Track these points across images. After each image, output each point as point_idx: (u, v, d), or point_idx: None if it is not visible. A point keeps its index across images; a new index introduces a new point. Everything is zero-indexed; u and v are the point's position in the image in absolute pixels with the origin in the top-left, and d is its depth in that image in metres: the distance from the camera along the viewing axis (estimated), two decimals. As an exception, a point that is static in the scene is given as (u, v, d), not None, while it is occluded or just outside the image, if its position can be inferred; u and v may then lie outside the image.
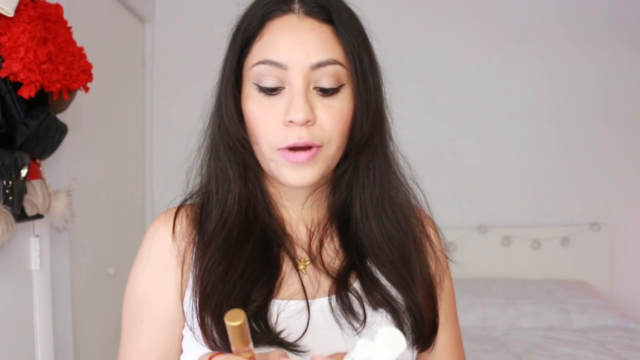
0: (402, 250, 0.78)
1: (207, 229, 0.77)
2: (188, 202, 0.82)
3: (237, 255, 0.74)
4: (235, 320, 0.54)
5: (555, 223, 2.97)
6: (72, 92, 1.52)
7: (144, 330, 0.76)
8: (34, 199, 1.44)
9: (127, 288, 0.79)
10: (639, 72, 2.97)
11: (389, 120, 0.81)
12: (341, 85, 0.72)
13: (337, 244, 0.79)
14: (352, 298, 0.74)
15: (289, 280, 0.75)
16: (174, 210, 0.80)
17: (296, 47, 0.70)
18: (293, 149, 0.70)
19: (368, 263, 0.78)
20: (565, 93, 2.98)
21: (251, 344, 0.57)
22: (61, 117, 1.54)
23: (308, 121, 0.69)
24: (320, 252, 0.78)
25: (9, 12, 1.24)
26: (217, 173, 0.78)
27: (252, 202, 0.78)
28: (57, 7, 1.44)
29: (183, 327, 0.76)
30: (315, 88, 0.71)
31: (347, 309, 0.73)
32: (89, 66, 1.53)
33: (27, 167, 1.37)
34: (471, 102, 2.96)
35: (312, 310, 0.73)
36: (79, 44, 1.52)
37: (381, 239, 0.78)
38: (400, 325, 0.74)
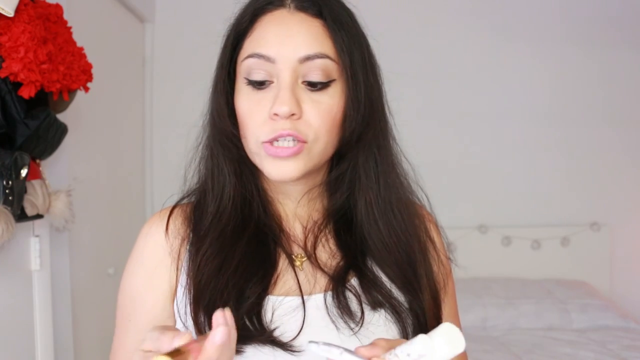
0: (408, 251, 0.78)
1: (202, 225, 0.76)
2: (184, 201, 0.82)
3: (231, 250, 0.73)
4: None
5: (555, 223, 2.97)
6: (72, 92, 1.52)
7: (132, 329, 0.76)
8: (34, 199, 1.44)
9: (120, 286, 0.79)
10: (639, 73, 2.97)
11: (390, 120, 0.80)
12: (331, 81, 0.71)
13: (335, 244, 0.79)
14: (350, 296, 0.73)
15: (285, 276, 0.75)
16: (169, 209, 0.80)
17: (285, 40, 0.70)
18: (277, 140, 0.70)
19: (369, 263, 0.77)
20: (565, 93, 2.98)
21: (184, 346, 0.53)
22: (61, 117, 1.54)
23: (293, 114, 0.69)
24: (315, 250, 0.77)
25: (9, 12, 1.25)
26: (212, 170, 0.78)
27: (248, 198, 0.77)
28: (57, 7, 1.44)
29: (174, 326, 0.75)
30: (303, 82, 0.70)
31: (344, 307, 0.72)
32: (89, 66, 1.53)
33: (27, 167, 1.37)
34: (471, 102, 2.96)
35: (308, 307, 0.72)
36: (79, 44, 1.52)
37: (389, 240, 0.77)
38: (402, 327, 0.73)
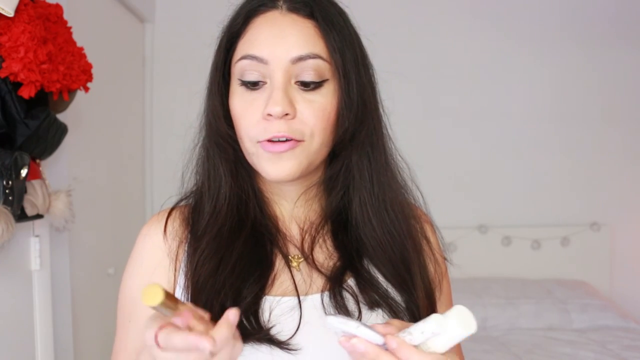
0: (402, 250, 0.78)
1: (199, 226, 0.77)
2: (183, 203, 0.82)
3: (228, 250, 0.74)
4: (154, 299, 0.51)
5: (555, 223, 2.97)
6: (72, 92, 1.52)
7: (132, 330, 0.76)
8: (34, 199, 1.44)
9: (120, 287, 0.79)
10: (639, 72, 2.97)
11: (385, 118, 0.80)
12: (324, 81, 0.72)
13: (331, 245, 0.79)
14: (347, 296, 0.73)
15: (282, 277, 0.75)
16: (167, 211, 0.81)
17: (277, 41, 0.70)
18: (272, 140, 0.70)
19: (365, 263, 0.77)
20: (565, 93, 2.98)
21: (181, 304, 0.54)
22: (61, 117, 1.54)
23: (286, 114, 0.69)
24: (312, 251, 0.77)
25: (9, 12, 1.24)
26: (209, 171, 0.79)
27: (244, 198, 0.78)
28: (57, 7, 1.44)
29: None
30: (296, 83, 0.71)
31: (341, 307, 0.72)
32: (89, 66, 1.53)
33: (27, 167, 1.37)
34: (471, 102, 2.96)
35: (305, 307, 0.72)
36: (79, 44, 1.52)
37: (383, 238, 0.77)
38: None
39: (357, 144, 0.76)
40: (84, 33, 1.67)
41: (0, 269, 1.44)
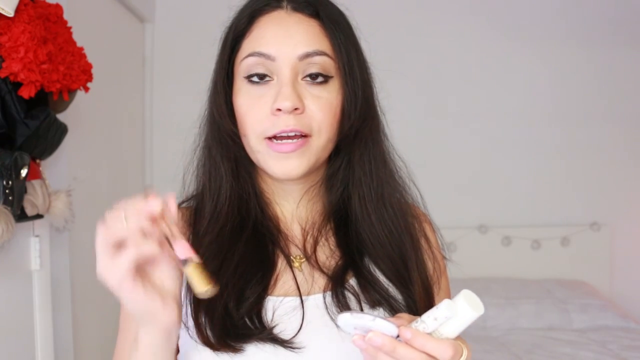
0: (400, 246, 0.79)
1: (200, 226, 0.77)
2: (184, 205, 0.82)
3: (230, 251, 0.74)
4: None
5: (555, 223, 2.97)
6: (72, 92, 1.52)
7: (134, 326, 0.75)
8: (34, 199, 1.44)
9: None
10: (639, 72, 2.97)
11: (382, 117, 0.81)
12: (330, 77, 0.73)
13: (332, 244, 0.79)
14: (349, 295, 0.74)
15: (284, 277, 0.75)
16: None
17: (284, 39, 0.72)
18: (280, 138, 0.71)
19: (366, 261, 0.78)
20: (565, 93, 2.98)
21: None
22: (61, 117, 1.54)
23: (296, 109, 0.70)
24: (315, 251, 0.78)
25: (9, 12, 1.25)
26: (209, 171, 0.79)
27: (244, 198, 0.78)
28: (57, 7, 1.44)
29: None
30: (304, 78, 0.72)
31: (343, 306, 0.73)
32: (89, 66, 1.53)
33: (27, 167, 1.37)
34: (471, 102, 2.96)
35: (307, 307, 0.73)
36: (79, 44, 1.52)
37: (382, 234, 0.78)
38: None
39: (360, 140, 0.78)
40: (84, 33, 1.67)
41: (0, 269, 1.44)
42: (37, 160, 1.50)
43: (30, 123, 1.37)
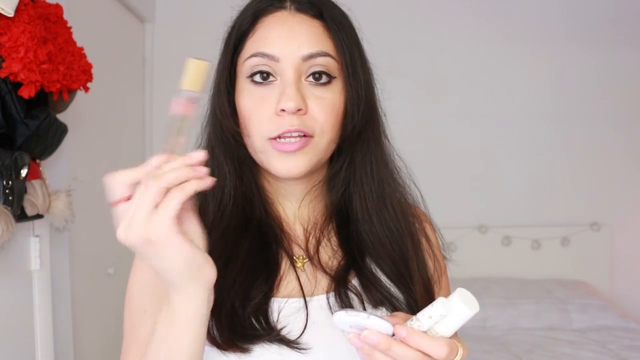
0: (401, 246, 0.79)
1: (204, 225, 0.77)
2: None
3: (235, 250, 0.74)
4: (196, 78, 0.58)
5: (555, 223, 2.97)
6: (72, 92, 1.52)
7: (147, 319, 0.74)
8: (34, 199, 1.44)
9: (129, 284, 0.78)
10: (639, 72, 2.97)
11: (383, 118, 0.82)
12: (332, 78, 0.73)
13: (334, 243, 0.79)
14: (352, 296, 0.74)
15: (287, 278, 0.75)
16: None
17: (288, 39, 0.72)
18: (283, 137, 0.71)
19: (367, 261, 0.78)
20: (565, 93, 2.98)
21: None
22: (61, 117, 1.54)
23: (299, 110, 0.70)
24: (317, 251, 0.78)
25: (9, 12, 1.25)
26: (212, 170, 0.78)
27: (248, 196, 0.78)
28: (57, 7, 1.44)
29: None
30: (307, 79, 0.72)
31: (347, 307, 0.73)
32: (89, 66, 1.53)
33: (27, 167, 1.37)
34: (471, 102, 2.96)
35: (311, 308, 0.73)
36: (79, 44, 1.52)
37: (382, 233, 0.78)
38: None
39: (362, 141, 0.78)
40: (84, 33, 1.67)
41: (0, 269, 1.44)
42: (37, 160, 1.50)
43: (30, 123, 1.37)
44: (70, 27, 1.49)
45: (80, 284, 1.96)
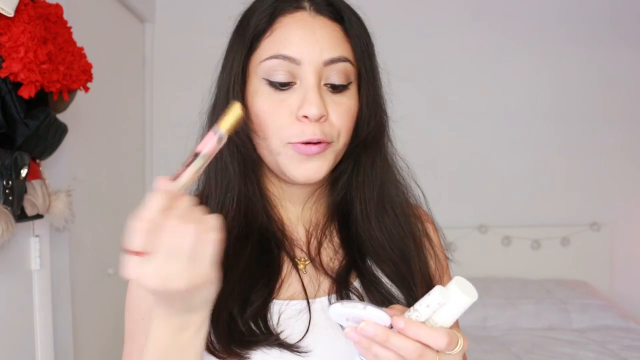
0: (402, 248, 0.79)
1: None
2: None
3: (236, 257, 0.73)
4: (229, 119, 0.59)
5: (555, 223, 2.97)
6: (72, 92, 1.52)
7: (143, 327, 0.75)
8: (34, 199, 1.44)
9: (129, 290, 0.78)
10: (639, 72, 2.97)
11: (389, 121, 0.81)
12: (349, 83, 0.73)
13: (336, 244, 0.79)
14: (353, 297, 0.74)
15: (289, 280, 0.75)
16: None
17: (309, 42, 0.70)
18: (306, 143, 0.70)
19: (368, 262, 0.78)
20: (565, 93, 2.98)
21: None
22: (61, 117, 1.54)
23: (322, 116, 0.70)
24: (319, 253, 0.78)
25: (9, 12, 1.25)
26: (216, 171, 0.77)
27: (251, 200, 0.77)
28: (57, 7, 1.44)
29: None
30: (325, 85, 0.71)
31: None
32: (89, 66, 1.53)
33: (27, 167, 1.37)
34: (471, 102, 2.96)
35: (313, 310, 0.73)
36: (79, 44, 1.52)
37: (381, 237, 0.78)
38: None
39: (370, 145, 0.78)
40: (84, 33, 1.67)
41: (0, 269, 1.44)
42: (37, 160, 1.50)
43: (30, 123, 1.37)
44: (70, 27, 1.49)
45: (80, 284, 1.96)
